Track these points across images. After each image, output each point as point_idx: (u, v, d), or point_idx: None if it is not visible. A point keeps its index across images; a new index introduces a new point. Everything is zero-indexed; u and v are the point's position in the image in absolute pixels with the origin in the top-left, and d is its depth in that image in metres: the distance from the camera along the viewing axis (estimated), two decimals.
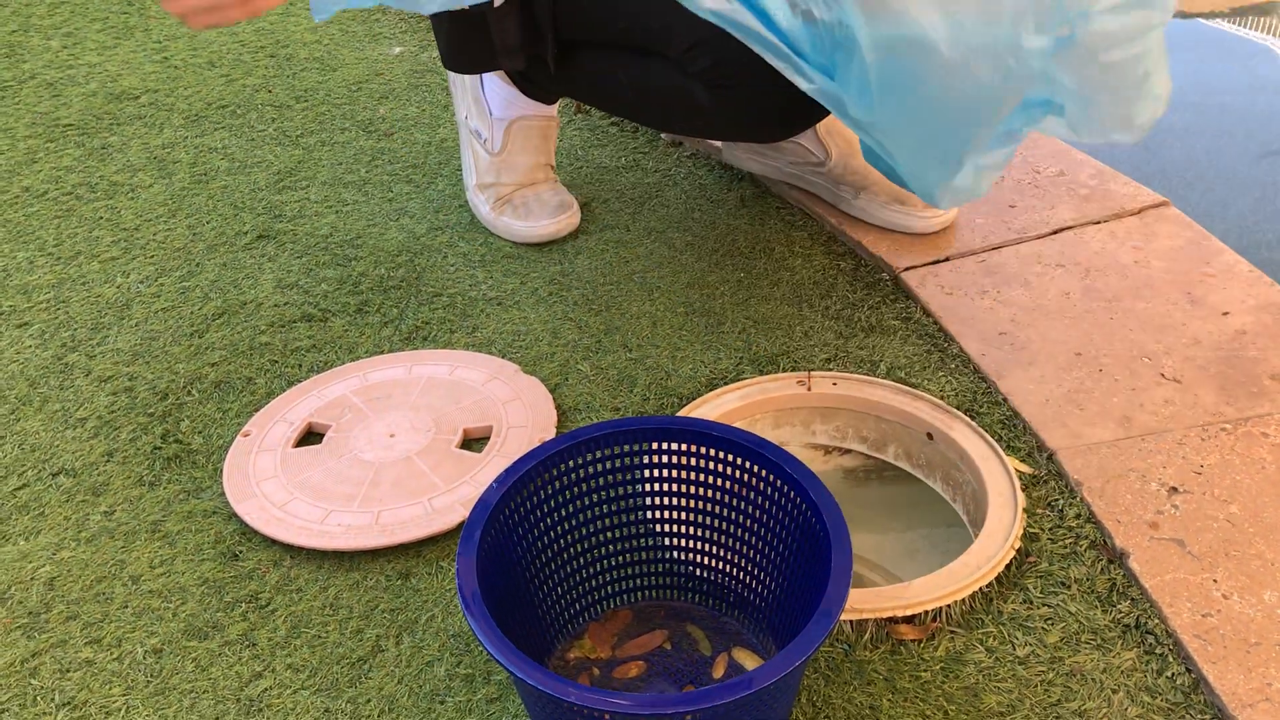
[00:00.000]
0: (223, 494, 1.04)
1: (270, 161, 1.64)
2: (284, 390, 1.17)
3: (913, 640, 0.86)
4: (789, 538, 0.81)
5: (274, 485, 1.03)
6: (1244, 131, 2.42)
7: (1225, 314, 1.18)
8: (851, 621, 0.86)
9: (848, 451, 1.14)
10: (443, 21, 1.30)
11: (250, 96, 1.85)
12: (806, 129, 1.32)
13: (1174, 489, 0.97)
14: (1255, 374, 1.10)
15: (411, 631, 0.90)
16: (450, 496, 1.00)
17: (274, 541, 0.99)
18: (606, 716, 0.66)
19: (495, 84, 1.39)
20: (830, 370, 1.14)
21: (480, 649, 0.88)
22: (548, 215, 1.39)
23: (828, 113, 1.20)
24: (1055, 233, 1.33)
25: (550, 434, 1.07)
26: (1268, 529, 0.92)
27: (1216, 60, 2.86)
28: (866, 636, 0.86)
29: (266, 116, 1.78)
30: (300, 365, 1.21)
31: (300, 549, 0.98)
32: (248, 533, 1.00)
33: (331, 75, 1.91)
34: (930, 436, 1.06)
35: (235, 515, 1.02)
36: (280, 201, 1.53)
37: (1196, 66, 2.80)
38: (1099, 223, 1.34)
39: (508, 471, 0.81)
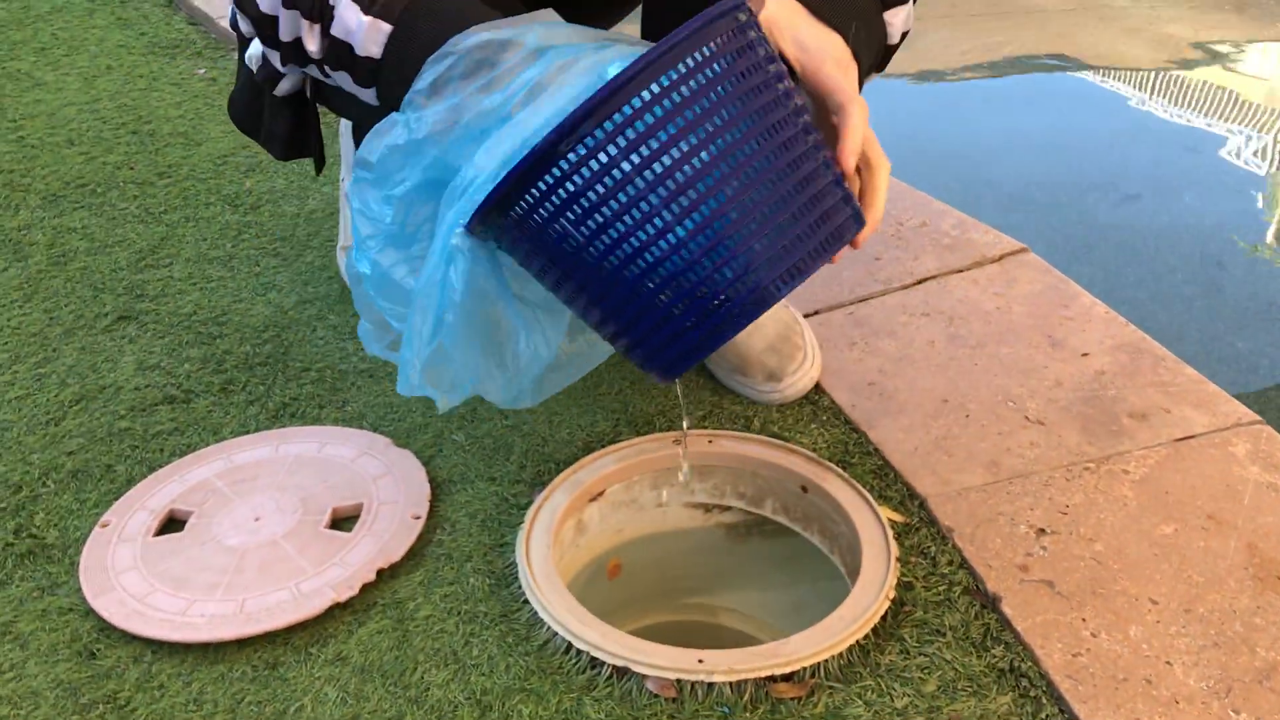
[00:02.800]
0: (79, 589, 0.99)
1: (132, 240, 1.60)
2: (145, 476, 1.12)
3: (792, 698, 0.85)
4: None
5: (134, 577, 0.99)
6: (1103, 178, 2.52)
7: (1085, 355, 1.22)
8: (730, 683, 0.85)
9: (727, 509, 1.14)
10: (241, 69, 1.26)
11: (111, 174, 1.80)
12: None
13: (1042, 530, 0.99)
14: (1115, 413, 1.13)
15: None
16: (319, 579, 0.97)
17: (134, 637, 0.94)
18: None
19: None
20: (705, 428, 1.14)
21: None
22: None
23: None
24: (919, 282, 1.36)
25: (424, 508, 1.05)
26: (1131, 565, 0.95)
27: (1079, 110, 2.98)
28: (745, 698, 0.85)
29: (128, 194, 1.73)
30: (162, 450, 1.17)
31: (162, 643, 0.94)
32: (106, 629, 0.95)
33: (196, 150, 1.87)
34: (805, 489, 1.06)
35: (93, 611, 0.97)
36: (142, 281, 1.49)
37: (1058, 116, 2.92)
38: (961, 271, 1.38)
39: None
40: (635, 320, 0.77)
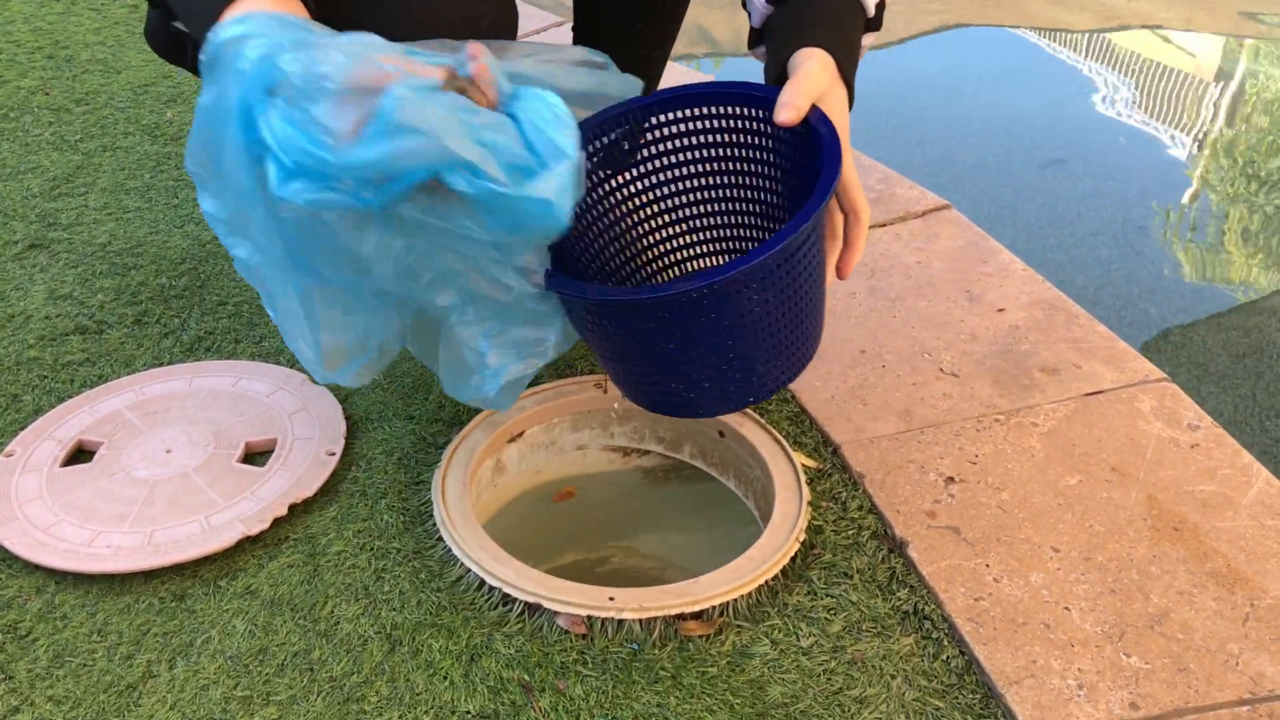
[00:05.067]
0: None
1: (46, 167, 1.55)
2: (53, 407, 1.10)
3: (700, 636, 0.87)
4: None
5: (38, 507, 0.97)
6: (1030, 142, 2.55)
7: (1001, 310, 1.24)
8: (640, 620, 0.86)
9: (646, 452, 1.15)
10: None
11: (25, 99, 1.74)
12: None
13: (951, 479, 1.01)
14: (1027, 367, 1.15)
15: (186, 655, 0.86)
16: (229, 513, 0.96)
17: (37, 567, 0.93)
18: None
19: None
20: None
21: (259, 669, 0.84)
22: None
23: None
24: None
25: (339, 445, 1.04)
26: (1035, 514, 0.97)
27: (1010, 73, 3.00)
28: (655, 635, 0.86)
29: (43, 120, 1.68)
30: (72, 380, 1.14)
31: (66, 573, 0.92)
32: (7, 559, 0.94)
33: (115, 78, 1.82)
34: (722, 434, 1.07)
35: None
36: (55, 209, 1.45)
37: (991, 76, 2.94)
38: (885, 225, 1.39)
39: None
40: (664, 388, 0.88)
